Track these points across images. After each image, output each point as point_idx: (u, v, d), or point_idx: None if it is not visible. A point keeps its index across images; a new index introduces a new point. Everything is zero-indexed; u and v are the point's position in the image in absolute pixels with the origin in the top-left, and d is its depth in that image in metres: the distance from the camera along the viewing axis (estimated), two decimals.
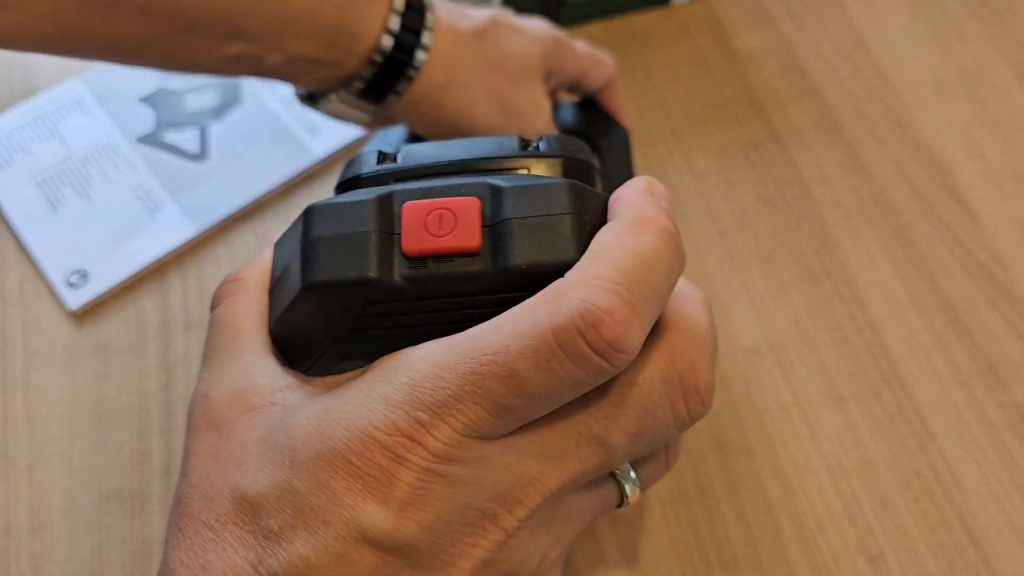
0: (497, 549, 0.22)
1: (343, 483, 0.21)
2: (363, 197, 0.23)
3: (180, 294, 0.48)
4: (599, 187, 0.27)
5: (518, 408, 0.21)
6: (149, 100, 0.53)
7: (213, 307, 0.27)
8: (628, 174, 0.44)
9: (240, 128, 0.52)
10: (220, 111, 0.53)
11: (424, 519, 0.21)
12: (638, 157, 0.53)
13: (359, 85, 0.37)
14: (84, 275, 0.47)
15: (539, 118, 0.39)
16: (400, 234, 0.23)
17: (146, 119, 0.52)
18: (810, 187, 0.53)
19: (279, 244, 0.27)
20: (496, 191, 0.23)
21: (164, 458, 0.43)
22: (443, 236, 0.22)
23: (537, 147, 0.27)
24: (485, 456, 0.22)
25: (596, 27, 0.58)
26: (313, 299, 0.23)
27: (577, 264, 0.22)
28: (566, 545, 0.25)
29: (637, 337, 0.22)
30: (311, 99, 0.39)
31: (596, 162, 0.29)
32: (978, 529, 0.43)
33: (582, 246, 0.23)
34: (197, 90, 0.53)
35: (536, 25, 0.41)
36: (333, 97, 0.37)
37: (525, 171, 0.26)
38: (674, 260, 0.23)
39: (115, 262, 0.48)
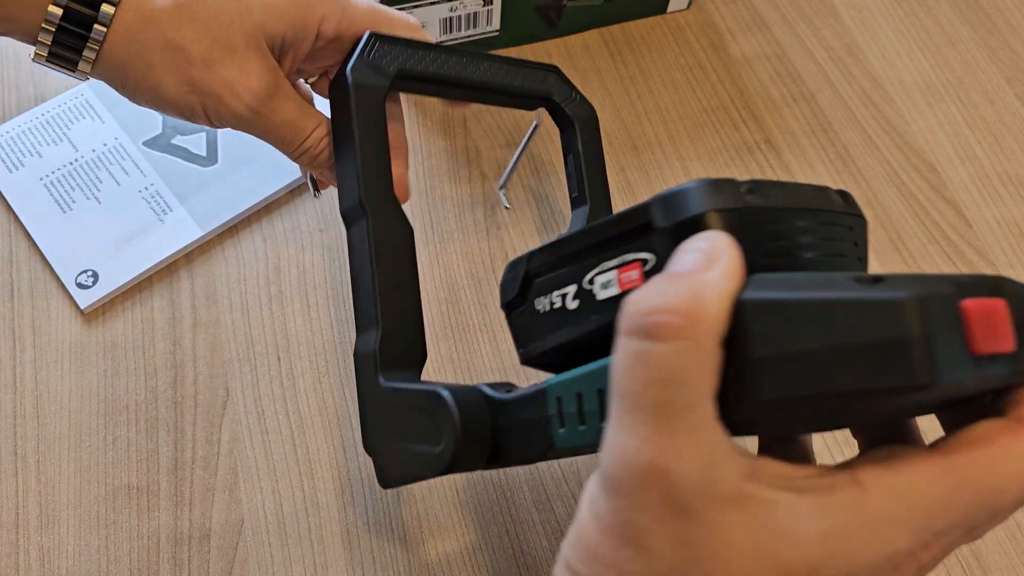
0: None
1: None
2: (943, 290, 0.23)
3: (188, 294, 0.49)
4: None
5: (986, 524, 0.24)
6: None
7: (640, 333, 0.23)
8: (600, 150, 0.45)
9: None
10: None
11: None
12: (635, 160, 0.54)
13: (42, 53, 0.37)
14: (94, 275, 0.48)
15: (237, 101, 0.37)
16: (967, 332, 0.23)
17: (153, 123, 0.53)
18: None
19: (775, 307, 0.24)
20: (1013, 291, 0.24)
21: (172, 454, 0.44)
22: (997, 340, 0.23)
23: (845, 199, 0.29)
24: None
25: (593, 33, 0.59)
26: (925, 392, 0.23)
27: None
28: None
29: None
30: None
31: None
32: None
33: None
34: None
35: None
36: (32, 55, 0.38)
37: (852, 232, 0.28)
38: None
39: (124, 263, 0.48)
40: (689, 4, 0.60)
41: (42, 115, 0.53)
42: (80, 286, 0.48)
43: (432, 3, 0.53)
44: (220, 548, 0.42)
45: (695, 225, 0.26)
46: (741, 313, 0.24)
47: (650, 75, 0.57)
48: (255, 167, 0.52)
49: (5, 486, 0.43)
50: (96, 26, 0.35)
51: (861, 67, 0.58)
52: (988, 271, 0.51)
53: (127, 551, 0.42)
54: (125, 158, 0.52)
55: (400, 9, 0.52)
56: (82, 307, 0.47)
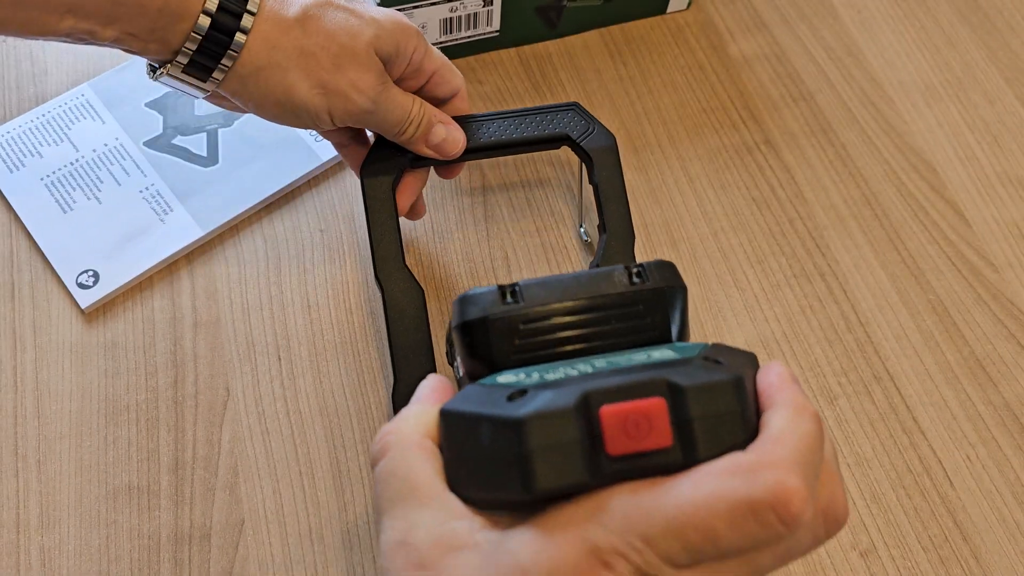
0: None
1: None
2: (564, 403, 0.27)
3: (189, 294, 0.49)
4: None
5: (708, 552, 0.26)
6: (155, 105, 0.54)
7: (375, 463, 0.31)
8: (618, 179, 0.46)
9: (248, 133, 0.53)
10: (229, 116, 0.54)
11: None
12: (634, 161, 0.54)
13: (182, 61, 0.40)
14: (95, 275, 0.48)
15: (361, 97, 0.42)
16: (603, 436, 0.27)
17: (153, 124, 0.53)
18: (803, 189, 0.54)
19: (451, 416, 0.30)
20: (676, 390, 0.27)
21: (172, 454, 0.44)
22: (641, 439, 0.27)
23: (642, 275, 0.33)
24: None
25: (593, 34, 0.59)
26: (532, 498, 0.27)
27: (760, 443, 0.27)
28: None
29: (812, 509, 0.26)
30: (155, 70, 0.42)
31: (684, 285, 0.34)
32: (968, 523, 0.44)
33: (749, 430, 0.28)
34: None
35: (378, 12, 0.42)
36: (161, 70, 0.41)
37: (643, 309, 0.32)
38: (824, 436, 0.29)
39: (125, 263, 0.49)
40: (689, 4, 0.60)
41: (43, 115, 0.53)
42: (81, 286, 0.48)
43: (432, 3, 0.53)
44: (221, 547, 0.42)
45: (460, 330, 0.32)
46: (440, 420, 0.30)
47: (650, 75, 0.58)
48: (256, 167, 0.52)
49: (6, 486, 0.43)
50: (237, 35, 0.39)
51: (860, 67, 0.58)
52: (989, 271, 0.51)
53: (128, 550, 0.42)
54: (126, 158, 0.52)
55: (401, 10, 0.52)
56: (83, 307, 0.47)
